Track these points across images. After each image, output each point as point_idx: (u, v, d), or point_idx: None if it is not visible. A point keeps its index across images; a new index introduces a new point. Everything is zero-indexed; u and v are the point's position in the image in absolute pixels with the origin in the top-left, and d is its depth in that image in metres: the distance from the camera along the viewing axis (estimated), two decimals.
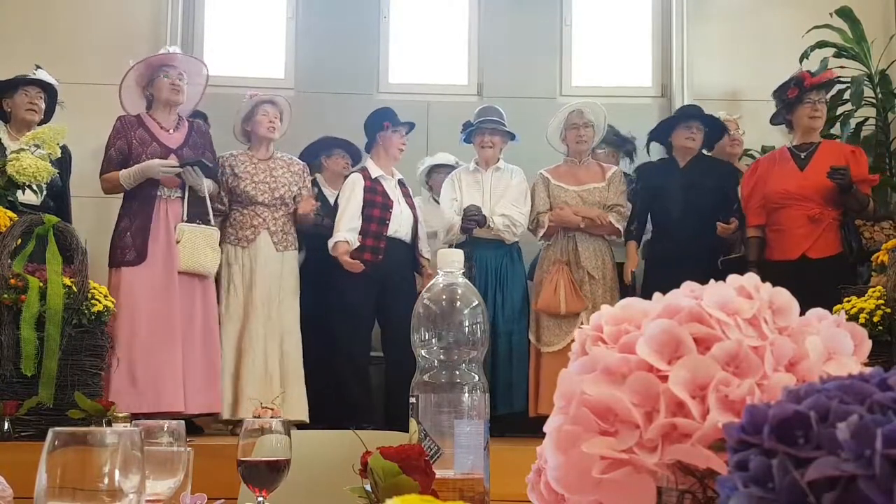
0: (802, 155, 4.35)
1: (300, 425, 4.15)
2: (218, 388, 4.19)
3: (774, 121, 4.67)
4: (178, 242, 4.11)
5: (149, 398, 3.94)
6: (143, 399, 3.93)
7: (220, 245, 4.41)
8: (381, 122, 4.69)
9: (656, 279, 4.40)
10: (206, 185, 4.25)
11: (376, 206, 4.51)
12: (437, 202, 4.98)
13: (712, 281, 0.64)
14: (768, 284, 0.63)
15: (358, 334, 4.49)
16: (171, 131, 4.32)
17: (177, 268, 4.10)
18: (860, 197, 4.20)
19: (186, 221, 4.18)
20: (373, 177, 4.58)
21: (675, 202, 4.50)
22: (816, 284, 3.73)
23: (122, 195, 4.31)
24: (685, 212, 4.46)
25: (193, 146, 4.31)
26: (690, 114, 4.73)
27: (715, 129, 4.73)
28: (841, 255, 4.17)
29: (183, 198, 4.21)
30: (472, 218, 4.45)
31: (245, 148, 4.62)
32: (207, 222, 4.25)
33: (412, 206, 4.66)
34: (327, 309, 4.52)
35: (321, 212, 4.71)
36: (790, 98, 4.43)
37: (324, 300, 4.53)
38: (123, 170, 4.16)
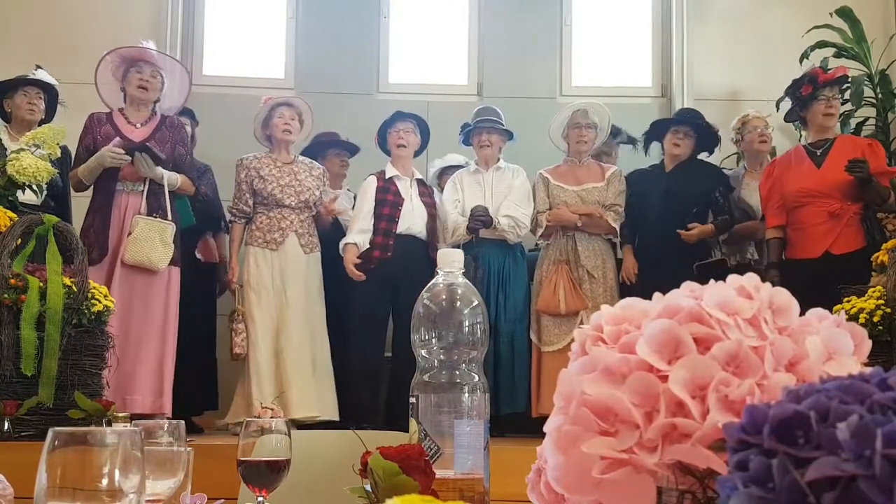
0: (818, 152, 4.33)
1: (328, 424, 4.16)
2: (168, 390, 4.07)
3: (788, 118, 4.66)
4: (129, 234, 4.05)
5: (120, 399, 3.86)
6: (117, 399, 3.88)
7: (247, 248, 4.43)
8: (384, 124, 4.74)
9: (641, 281, 4.43)
10: (168, 178, 4.17)
11: (386, 204, 4.54)
12: None
13: (712, 282, 0.64)
14: (768, 284, 0.63)
15: (372, 335, 4.51)
16: (139, 125, 4.27)
17: (122, 260, 4.03)
18: (880, 189, 4.16)
19: (147, 214, 4.12)
20: (387, 177, 4.62)
21: (653, 207, 4.51)
22: (841, 281, 3.72)
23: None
24: (664, 216, 4.46)
25: (161, 140, 4.24)
26: (681, 119, 4.74)
27: (707, 137, 4.71)
28: (865, 249, 4.10)
29: (143, 191, 4.15)
30: (479, 218, 4.46)
31: (266, 150, 4.63)
32: (165, 217, 4.17)
33: (430, 205, 4.65)
34: (342, 309, 4.54)
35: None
36: (804, 95, 4.41)
37: (339, 301, 4.54)
38: (80, 167, 4.13)
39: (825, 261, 4.14)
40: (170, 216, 4.17)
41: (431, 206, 4.67)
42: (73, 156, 4.46)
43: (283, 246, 4.44)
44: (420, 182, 4.72)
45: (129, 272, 4.06)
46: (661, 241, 4.42)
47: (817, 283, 3.63)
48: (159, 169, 4.14)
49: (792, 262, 4.32)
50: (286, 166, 4.55)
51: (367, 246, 4.47)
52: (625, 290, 4.48)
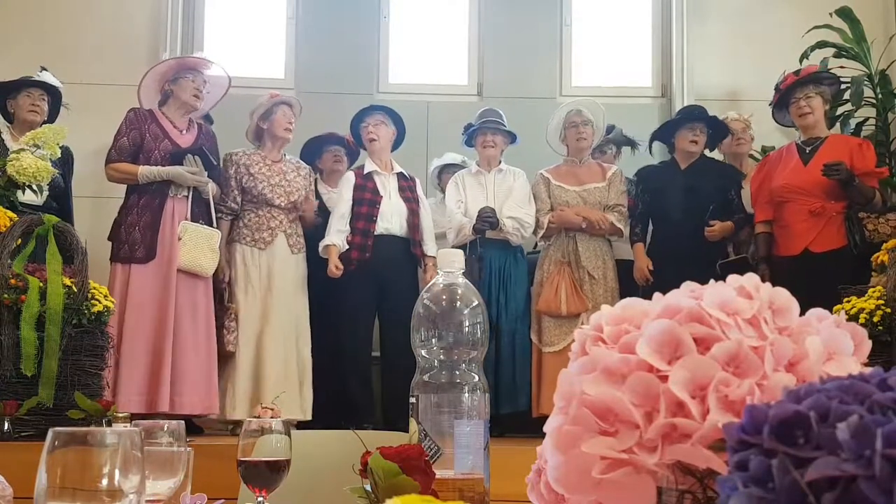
0: (808, 150, 4.36)
1: (300, 424, 4.17)
2: (216, 389, 4.21)
3: (778, 122, 4.70)
4: (179, 239, 4.13)
5: (156, 399, 3.96)
6: (152, 399, 3.95)
7: (234, 245, 4.46)
8: (353, 121, 4.73)
9: (657, 280, 4.41)
10: (210, 187, 4.28)
11: (364, 203, 4.51)
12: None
13: (712, 282, 0.64)
14: (768, 284, 0.63)
15: (358, 334, 4.49)
16: (183, 132, 4.34)
17: (176, 265, 4.12)
18: (865, 190, 4.17)
19: (190, 220, 4.20)
20: (365, 172, 4.59)
21: (675, 204, 4.50)
22: (820, 278, 3.74)
23: (121, 188, 4.32)
24: (686, 214, 4.46)
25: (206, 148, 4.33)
26: (695, 115, 4.73)
27: (718, 130, 4.73)
28: (845, 248, 4.13)
29: (188, 197, 4.23)
30: (487, 219, 4.45)
31: (254, 147, 4.63)
32: (210, 223, 4.26)
33: (411, 200, 4.60)
34: (327, 309, 4.53)
35: (318, 212, 4.72)
36: (776, 103, 4.54)
37: (324, 301, 4.54)
38: (145, 166, 4.16)
39: (805, 258, 4.16)
40: (214, 223, 4.27)
41: (412, 202, 4.59)
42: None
43: (271, 245, 4.43)
44: (401, 176, 4.65)
45: (178, 276, 4.13)
46: (681, 238, 4.42)
47: (796, 281, 3.65)
48: (205, 175, 4.22)
49: (775, 259, 4.35)
50: (275, 165, 4.54)
51: (346, 247, 4.46)
52: (626, 291, 4.47)
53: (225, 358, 4.37)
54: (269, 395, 4.21)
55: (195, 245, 4.15)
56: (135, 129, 4.23)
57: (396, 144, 4.77)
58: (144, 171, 4.16)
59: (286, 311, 4.40)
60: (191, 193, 4.23)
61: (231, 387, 4.30)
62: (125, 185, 4.30)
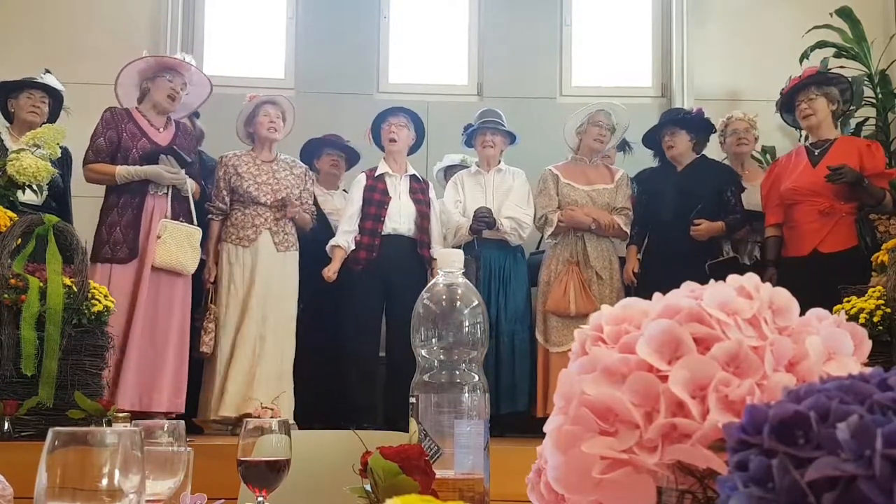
0: (816, 151, 4.35)
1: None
2: (184, 389, 4.17)
3: (790, 124, 4.72)
4: (158, 238, 4.10)
5: (139, 397, 3.96)
6: (134, 398, 3.94)
7: (221, 244, 4.44)
8: (376, 120, 4.73)
9: (653, 281, 4.40)
10: (189, 185, 4.26)
11: (373, 203, 4.52)
12: None
13: (712, 282, 0.64)
14: (768, 284, 0.63)
15: (365, 335, 4.49)
16: (161, 129, 4.33)
17: (152, 263, 4.09)
18: (874, 191, 4.15)
19: (171, 218, 4.18)
20: (376, 174, 4.59)
21: (670, 206, 4.49)
22: (829, 279, 3.72)
23: (102, 187, 4.31)
24: (681, 215, 4.45)
25: (180, 146, 4.31)
26: (666, 120, 4.74)
27: (701, 126, 4.70)
28: (855, 248, 4.10)
29: (167, 194, 4.21)
30: (483, 219, 4.46)
31: (249, 149, 4.62)
32: (190, 221, 4.24)
33: (421, 202, 4.60)
34: (334, 309, 4.53)
35: (314, 215, 4.71)
36: (782, 108, 4.54)
37: (331, 301, 4.54)
38: (122, 166, 4.15)
39: (814, 259, 4.15)
40: (194, 221, 4.25)
41: (422, 204, 4.60)
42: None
43: (255, 243, 4.41)
44: (413, 178, 4.66)
45: (155, 274, 4.11)
46: (673, 240, 4.42)
47: (807, 282, 3.64)
48: (182, 173, 4.20)
49: (785, 260, 4.34)
50: (265, 164, 4.53)
51: (353, 246, 4.47)
52: (634, 291, 4.47)
53: (206, 357, 4.37)
54: (247, 392, 4.20)
55: (176, 243, 4.12)
56: (111, 128, 4.23)
57: (414, 149, 4.79)
58: (122, 171, 4.15)
59: (269, 310, 4.36)
60: (170, 191, 4.21)
61: (210, 385, 4.29)
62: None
